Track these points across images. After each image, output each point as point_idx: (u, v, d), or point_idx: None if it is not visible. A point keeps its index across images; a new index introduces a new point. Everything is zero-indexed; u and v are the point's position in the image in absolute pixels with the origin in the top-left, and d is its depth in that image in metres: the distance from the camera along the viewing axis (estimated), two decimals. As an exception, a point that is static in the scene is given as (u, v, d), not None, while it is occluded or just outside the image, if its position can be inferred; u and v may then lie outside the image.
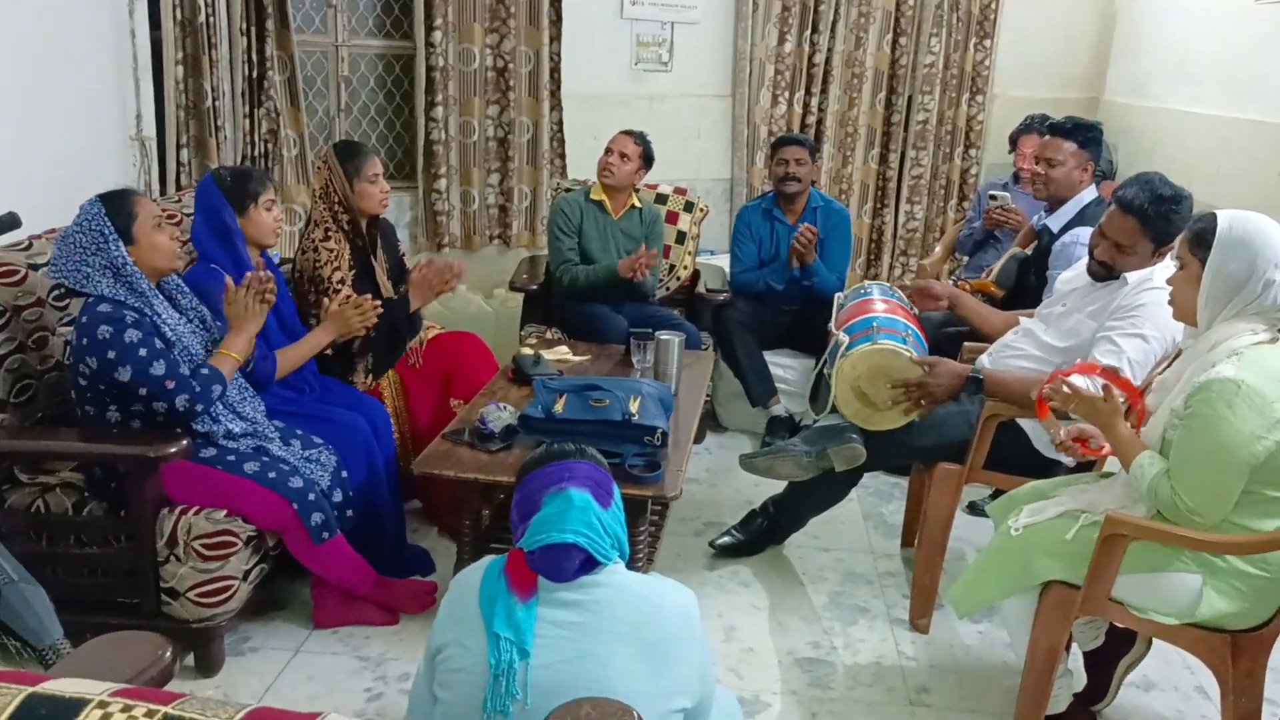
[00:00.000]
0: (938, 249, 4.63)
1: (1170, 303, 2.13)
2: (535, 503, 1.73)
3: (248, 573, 2.50)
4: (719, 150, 5.47)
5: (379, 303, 2.92)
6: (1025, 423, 2.73)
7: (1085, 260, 2.78)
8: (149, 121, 3.94)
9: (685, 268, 4.33)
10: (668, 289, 4.28)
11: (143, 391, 2.34)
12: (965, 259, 4.47)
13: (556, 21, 4.71)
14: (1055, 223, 3.39)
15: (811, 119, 5.56)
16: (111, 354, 2.30)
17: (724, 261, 4.74)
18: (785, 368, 4.12)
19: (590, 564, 1.71)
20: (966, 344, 3.15)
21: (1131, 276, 2.61)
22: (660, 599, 1.75)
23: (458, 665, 1.71)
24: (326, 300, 2.97)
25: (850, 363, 2.70)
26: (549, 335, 3.90)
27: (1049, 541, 2.17)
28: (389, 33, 4.71)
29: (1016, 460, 2.74)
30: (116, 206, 2.37)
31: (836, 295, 3.17)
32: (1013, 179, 4.34)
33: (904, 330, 2.77)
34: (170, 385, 2.34)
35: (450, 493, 2.85)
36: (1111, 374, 2.24)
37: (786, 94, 5.43)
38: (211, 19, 3.93)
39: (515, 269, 4.33)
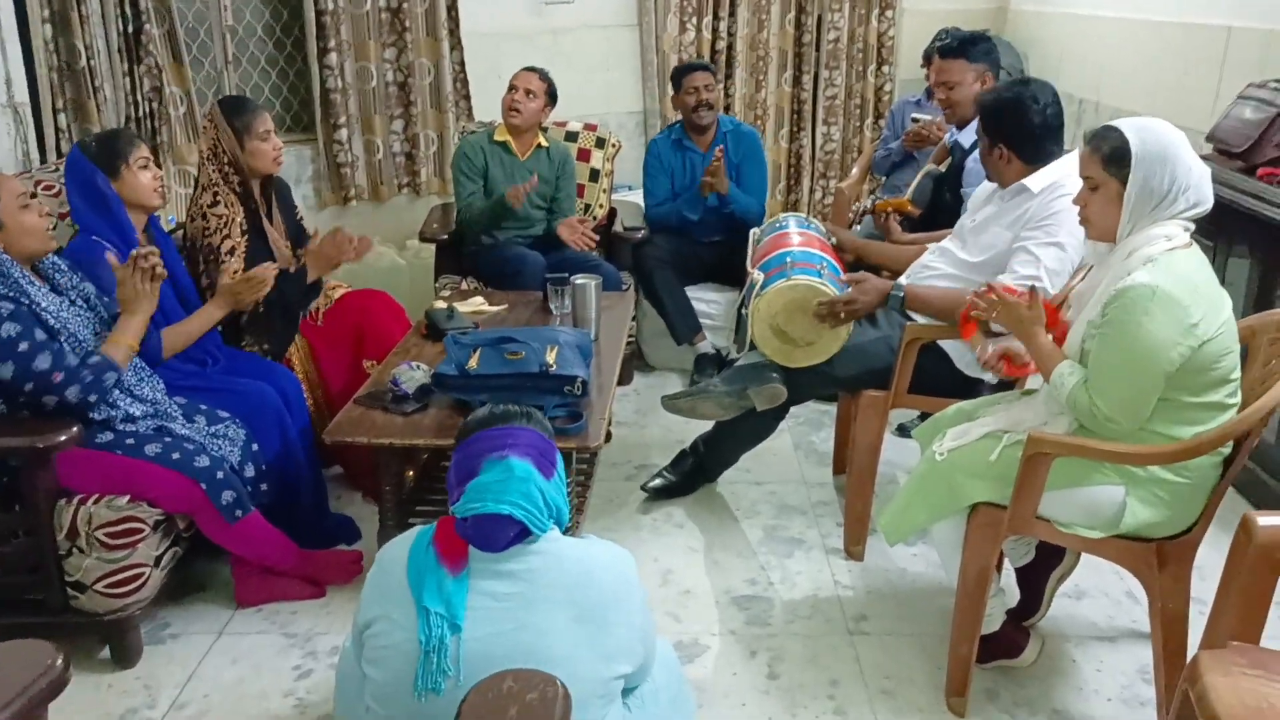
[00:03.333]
0: (854, 171, 4.57)
1: (1084, 223, 2.10)
2: (474, 467, 1.66)
3: (159, 558, 2.39)
4: (629, 83, 5.33)
5: (272, 270, 2.78)
6: (947, 344, 2.71)
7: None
8: (20, 86, 3.69)
9: (601, 206, 4.23)
10: (589, 243, 4.15)
11: (29, 387, 2.20)
12: (882, 179, 4.43)
13: (451, -44, 4.51)
14: (966, 138, 3.35)
15: (721, 44, 5.44)
16: None
17: (640, 197, 4.64)
18: (709, 303, 4.07)
19: (524, 534, 1.65)
20: (884, 272, 3.11)
21: (1037, 183, 2.58)
22: (595, 562, 1.70)
23: (386, 641, 1.65)
24: (219, 274, 2.82)
25: (766, 301, 2.65)
26: (465, 286, 3.78)
27: (974, 464, 2.15)
28: (272, -24, 4.48)
29: (940, 382, 2.73)
30: None
31: (752, 231, 3.10)
32: (925, 95, 4.28)
33: (819, 263, 2.72)
34: (58, 379, 2.20)
35: (371, 458, 2.76)
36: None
37: (694, 19, 5.30)
38: (77, -28, 3.69)
39: (426, 219, 4.19)
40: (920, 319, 2.68)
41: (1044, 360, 2.10)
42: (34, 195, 2.32)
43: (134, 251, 2.38)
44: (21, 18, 3.69)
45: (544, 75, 3.82)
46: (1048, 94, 2.54)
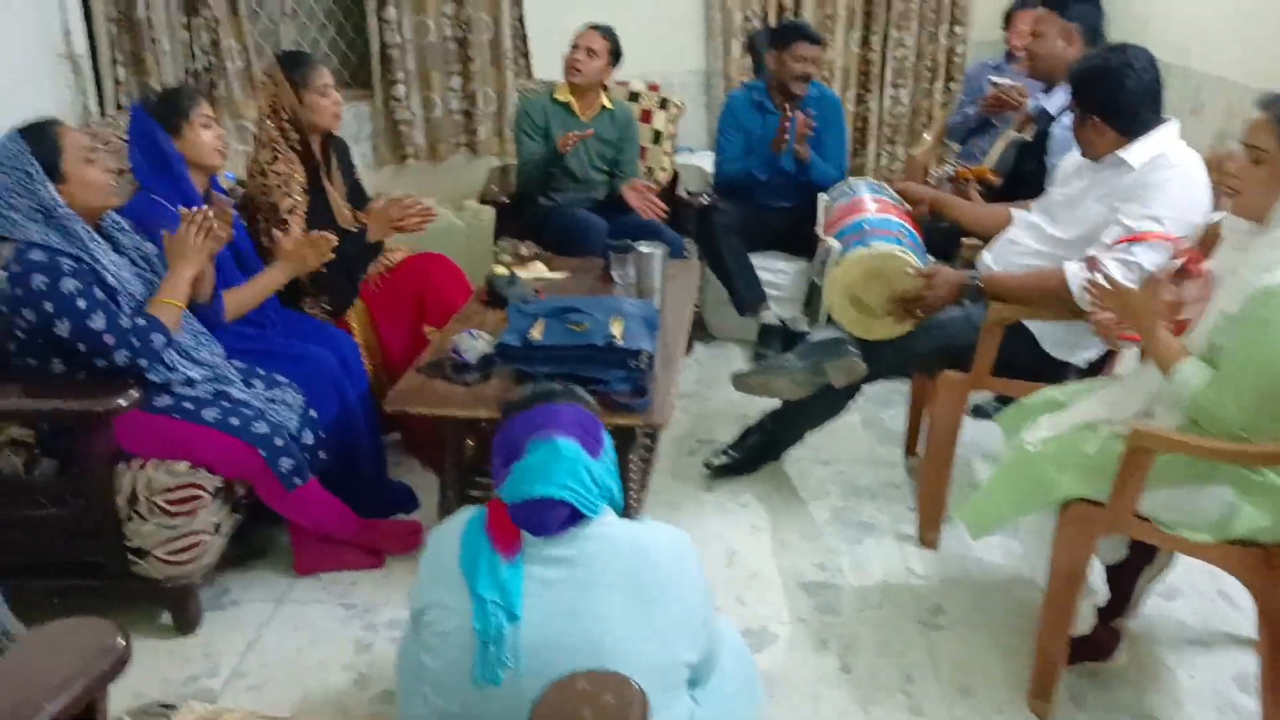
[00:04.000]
0: (927, 136, 4.40)
1: (1231, 194, 1.94)
2: (518, 448, 1.58)
3: (218, 525, 2.35)
4: (693, 41, 5.16)
5: (334, 238, 2.71)
6: (1033, 324, 2.57)
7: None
8: (78, 37, 3.65)
9: (663, 170, 4.11)
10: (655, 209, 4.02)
11: (82, 347, 2.15)
12: (957, 146, 4.25)
13: (514, -93, 4.37)
14: (1052, 104, 3.18)
15: (789, 2, 5.26)
16: (49, 306, 2.10)
17: (704, 160, 4.51)
18: (776, 272, 3.94)
19: (576, 517, 1.58)
20: (964, 240, 2.98)
21: (1136, 157, 2.43)
22: (649, 542, 1.62)
23: (442, 629, 1.59)
24: (278, 233, 2.75)
25: (843, 269, 2.53)
26: (523, 250, 3.68)
27: (1068, 456, 2.03)
28: (333, -73, 4.37)
29: (1024, 365, 2.60)
30: (40, 140, 2.14)
31: (821, 197, 2.96)
32: (1005, 58, 4.09)
33: (898, 230, 2.59)
34: (110, 340, 2.15)
35: (431, 425, 2.69)
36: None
37: (761, -26, 5.12)
38: (136, -80, 3.62)
39: (485, 180, 4.09)
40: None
41: (1162, 354, 1.94)
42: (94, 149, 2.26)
43: (193, 209, 2.30)
44: (80, -32, 3.64)
45: (607, 33, 3.69)
46: (1144, 60, 2.37)
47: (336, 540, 2.58)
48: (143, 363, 2.21)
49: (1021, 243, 2.61)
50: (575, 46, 3.63)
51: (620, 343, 2.41)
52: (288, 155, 2.83)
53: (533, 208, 3.74)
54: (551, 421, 1.58)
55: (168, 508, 2.23)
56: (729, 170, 3.91)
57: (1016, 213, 2.75)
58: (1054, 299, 2.39)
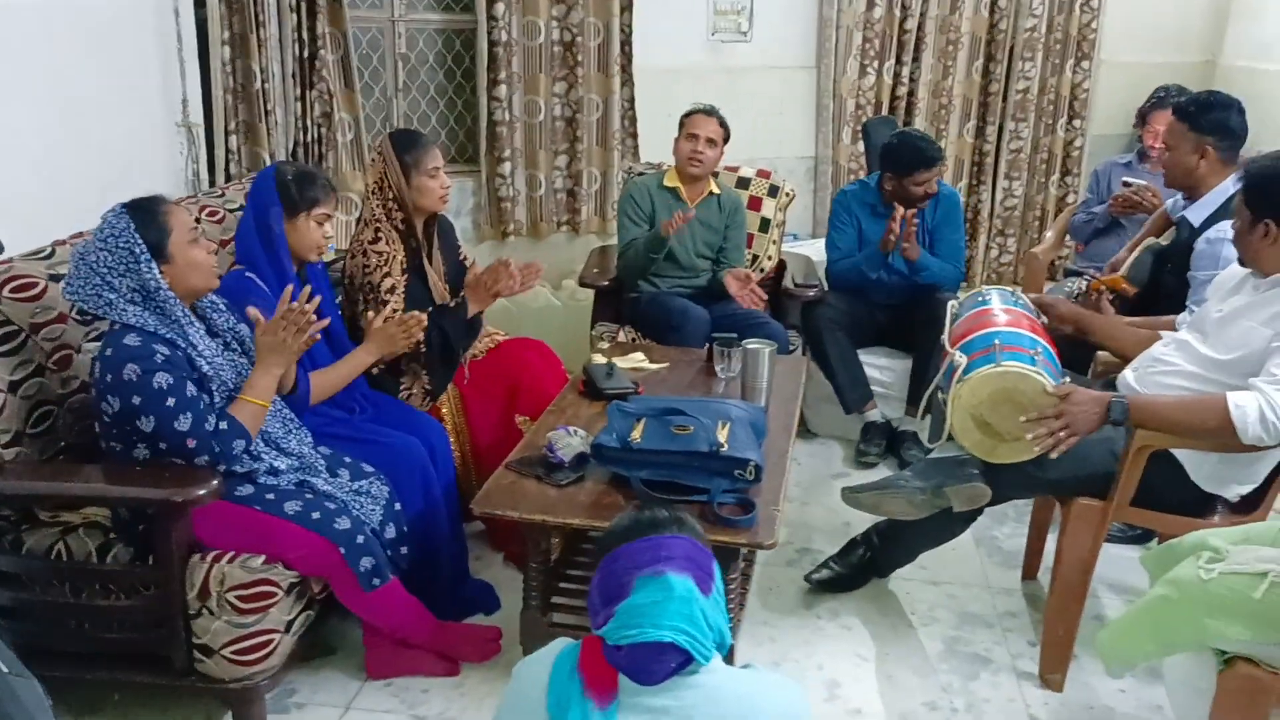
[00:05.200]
0: (1049, 235, 4.18)
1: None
2: (623, 585, 1.42)
3: (290, 623, 2.22)
4: (803, 127, 5.07)
5: (424, 316, 2.61)
6: (1182, 453, 2.33)
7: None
8: (195, 106, 3.68)
9: (770, 258, 3.96)
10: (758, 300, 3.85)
11: (163, 445, 2.08)
12: (1081, 246, 4.03)
13: (628, -10, 4.34)
14: (1196, 215, 2.95)
15: (902, 90, 5.14)
16: (136, 399, 2.03)
17: (809, 249, 4.36)
18: (881, 369, 3.75)
19: (685, 664, 1.41)
20: (1099, 354, 2.76)
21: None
22: (762, 704, 1.43)
23: (525, 774, 1.42)
24: (370, 314, 2.67)
25: (969, 388, 2.32)
26: (622, 336, 3.57)
27: (1230, 598, 1.79)
28: (449, 6, 4.38)
29: (1169, 496, 2.36)
30: (147, 219, 2.08)
31: (949, 304, 2.77)
32: (1138, 157, 3.88)
33: (1031, 347, 2.37)
34: (191, 444, 2.07)
35: (517, 522, 2.55)
36: None
37: (875, 64, 5.01)
38: (259, -5, 3.65)
39: (585, 262, 4.00)
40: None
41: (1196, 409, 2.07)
42: (199, 223, 2.20)
43: (289, 303, 2.21)
44: (201, 39, 3.69)
45: (721, 119, 3.58)
46: None
47: (411, 644, 2.43)
48: (221, 467, 2.12)
49: (1170, 362, 2.38)
50: (694, 136, 3.51)
51: (726, 450, 2.25)
52: (390, 234, 2.77)
53: (632, 293, 3.62)
54: (661, 556, 1.41)
55: (240, 605, 2.11)
56: (840, 268, 3.74)
57: (1165, 331, 2.53)
58: (1213, 430, 2.15)
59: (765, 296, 3.58)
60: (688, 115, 3.59)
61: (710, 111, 3.58)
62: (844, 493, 2.56)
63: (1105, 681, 2.48)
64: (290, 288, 2.21)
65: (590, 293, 3.90)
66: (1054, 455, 2.25)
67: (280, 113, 3.86)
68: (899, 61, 5.07)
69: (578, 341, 3.79)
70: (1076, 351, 2.78)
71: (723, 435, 2.29)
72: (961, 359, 2.37)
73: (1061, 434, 2.23)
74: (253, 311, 2.22)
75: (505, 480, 2.35)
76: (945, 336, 2.58)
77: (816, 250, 4.30)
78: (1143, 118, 3.84)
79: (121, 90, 3.32)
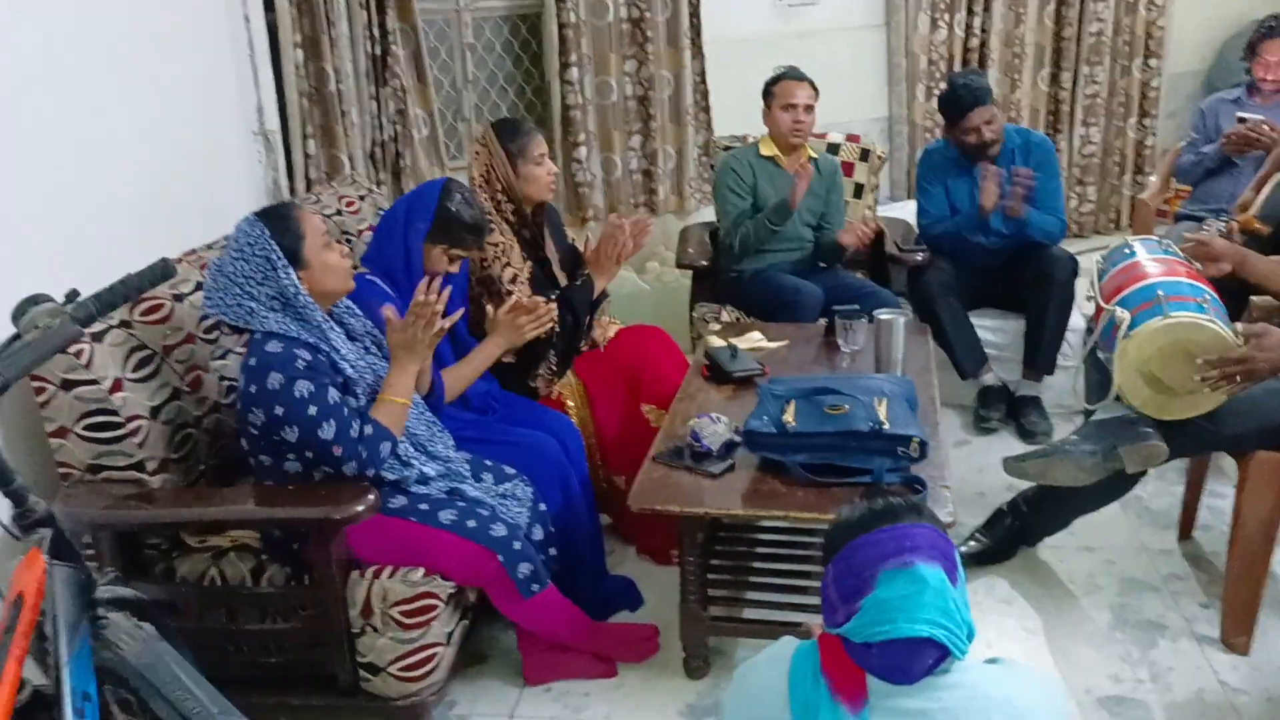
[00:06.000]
0: (1154, 179, 4.02)
1: None
2: (865, 580, 1.32)
3: (450, 635, 2.16)
4: (875, 87, 4.93)
5: (553, 301, 2.53)
6: (1370, 400, 2.20)
7: None
8: (271, 113, 3.60)
9: (865, 224, 3.83)
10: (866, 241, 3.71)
11: (309, 454, 2.01)
12: (1189, 189, 3.87)
13: (695, -40, 4.21)
14: (1335, 143, 2.80)
15: (975, 42, 4.98)
16: (279, 409, 1.96)
17: (901, 211, 4.23)
18: (993, 330, 3.62)
19: (940, 660, 1.32)
20: (1254, 299, 2.62)
21: None
22: (1026, 703, 1.33)
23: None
24: (489, 306, 2.59)
25: (1137, 344, 2.20)
26: (725, 316, 3.46)
27: None
28: (513, -10, 4.28)
29: (1357, 444, 2.23)
30: (281, 226, 2.02)
31: (1094, 260, 2.64)
32: (1246, 91, 3.71)
33: (1198, 295, 2.25)
34: (337, 452, 2.00)
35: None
36: None
37: (946, 17, 4.86)
38: (329, -6, 3.57)
39: (678, 242, 3.89)
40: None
41: None
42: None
43: (420, 298, 2.13)
44: (272, 43, 3.61)
45: (810, 81, 3.47)
46: None
47: (567, 647, 2.36)
48: (369, 472, 2.05)
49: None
50: (792, 105, 3.39)
51: (888, 428, 2.15)
52: (501, 226, 2.68)
53: (733, 271, 3.51)
54: (907, 546, 1.31)
55: (404, 620, 2.05)
56: (935, 230, 3.61)
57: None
58: None
59: (873, 232, 3.47)
60: (775, 82, 3.48)
61: (800, 76, 3.47)
62: (1006, 463, 2.45)
63: (1293, 641, 2.37)
64: (424, 282, 2.13)
65: (678, 274, 3.80)
66: (1225, 397, 2.13)
67: (355, 113, 3.77)
68: (970, 13, 4.92)
69: (673, 325, 3.67)
70: (1227, 299, 2.64)
71: (882, 412, 2.19)
72: (1124, 314, 2.25)
73: (1239, 378, 2.11)
74: (388, 310, 2.15)
75: (656, 474, 2.27)
76: (1096, 294, 2.45)
77: (906, 212, 4.18)
78: (1252, 49, 3.66)
79: (197, 102, 3.24)
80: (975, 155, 3.48)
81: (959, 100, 3.46)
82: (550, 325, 2.53)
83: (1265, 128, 3.43)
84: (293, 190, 3.71)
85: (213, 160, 3.29)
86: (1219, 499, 2.91)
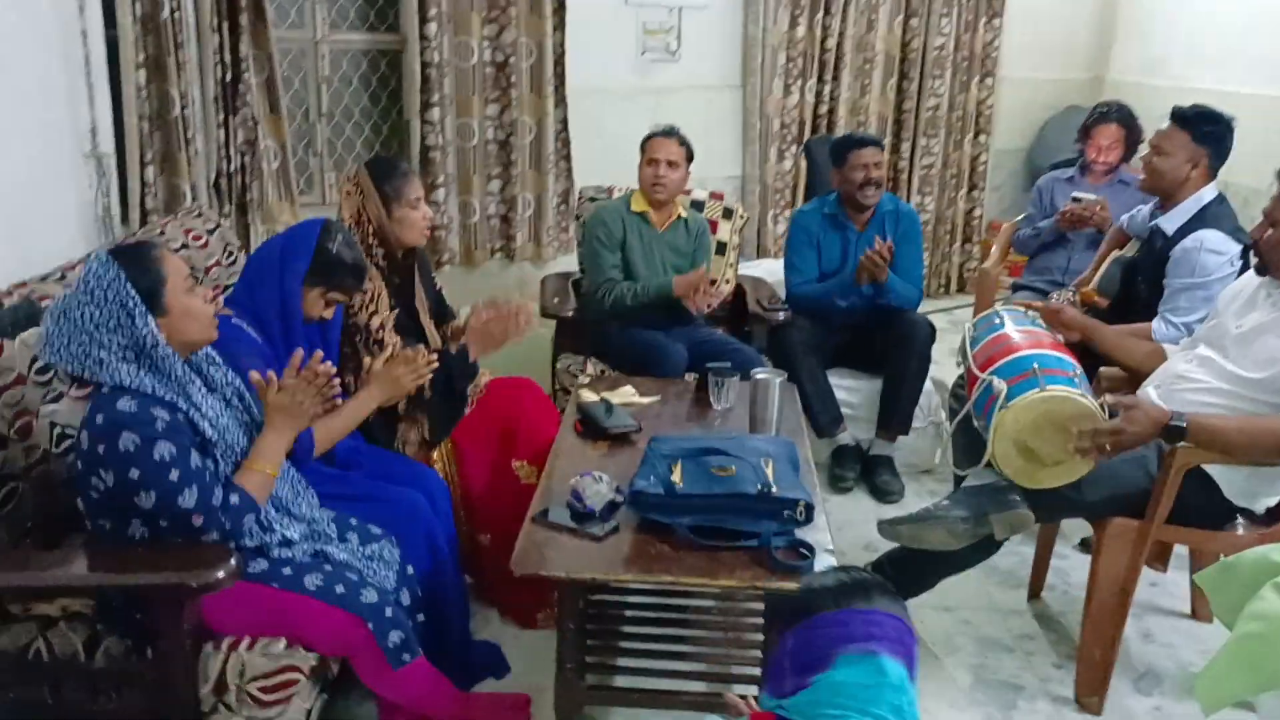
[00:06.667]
0: (994, 250, 4.23)
1: None
2: (824, 657, 1.28)
3: (309, 712, 1.98)
4: (730, 146, 5.03)
5: (434, 355, 2.40)
6: (1213, 468, 2.34)
7: (1245, 269, 2.44)
8: (106, 135, 3.34)
9: (728, 282, 3.88)
10: (709, 306, 3.77)
11: (164, 523, 1.83)
12: (1026, 260, 4.09)
13: (560, 9, 4.19)
14: (1170, 224, 3.00)
15: (824, 109, 5.17)
16: (134, 473, 1.77)
17: (757, 270, 4.30)
18: (848, 390, 3.70)
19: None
20: (1103, 370, 2.76)
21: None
22: None
23: None
24: (368, 358, 2.44)
25: (1014, 414, 2.27)
26: (590, 369, 3.41)
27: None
28: (374, 25, 4.14)
29: (1198, 511, 2.36)
30: (140, 267, 1.83)
31: (965, 327, 2.73)
32: (1080, 171, 3.97)
33: (1069, 369, 2.35)
34: (197, 521, 1.82)
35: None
36: None
37: (799, 82, 5.02)
38: (177, 14, 3.37)
39: (540, 291, 3.82)
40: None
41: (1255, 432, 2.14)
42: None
43: (312, 364, 1.97)
44: (112, 63, 3.36)
45: (682, 138, 3.48)
46: None
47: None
48: (231, 544, 1.88)
49: (1195, 379, 2.39)
50: (655, 160, 3.39)
51: (776, 491, 2.13)
52: (371, 271, 2.54)
53: (600, 324, 3.47)
54: (874, 633, 1.28)
55: (262, 697, 1.87)
56: (802, 291, 3.68)
57: (1174, 348, 2.56)
58: (1269, 451, 2.18)
59: (715, 301, 3.49)
60: (648, 139, 3.48)
61: (670, 133, 3.47)
62: (881, 526, 2.48)
63: (1141, 700, 2.49)
64: (299, 352, 1.98)
65: (543, 322, 3.71)
66: (1089, 468, 2.24)
67: (201, 141, 3.55)
68: (820, 80, 5.11)
69: (535, 376, 3.59)
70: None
71: (769, 474, 2.18)
72: (1001, 385, 2.32)
73: (1108, 448, 2.20)
74: (255, 376, 1.97)
75: (539, 536, 2.17)
76: (969, 361, 2.53)
77: (763, 270, 4.25)
78: (1086, 132, 3.92)
79: (24, 121, 2.96)
80: (857, 202, 3.58)
81: (849, 139, 3.66)
82: (428, 378, 2.40)
83: (1097, 207, 3.67)
84: (125, 219, 3.45)
85: (38, 181, 3.01)
86: (1060, 559, 3.05)
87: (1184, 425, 2.19)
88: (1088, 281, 3.33)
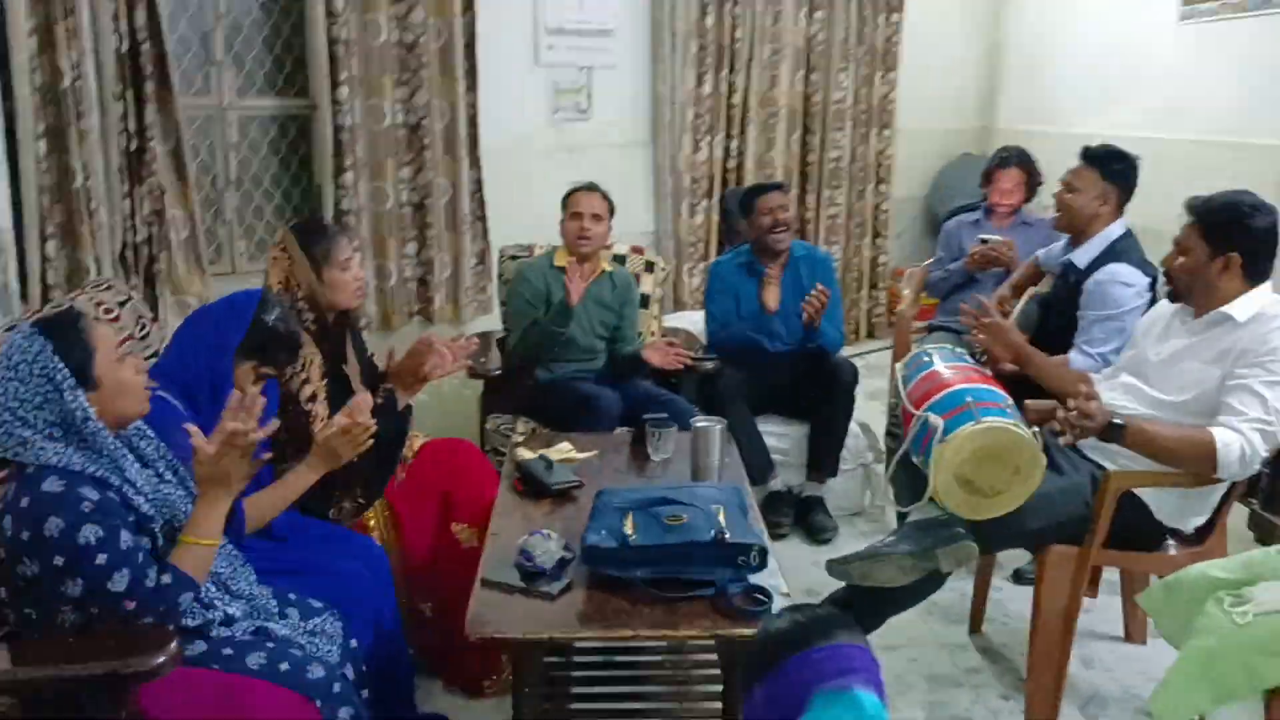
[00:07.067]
0: (907, 293, 4.33)
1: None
2: (796, 699, 1.26)
3: (254, 801, 1.88)
4: (643, 202, 5.08)
5: (372, 424, 2.33)
6: (1145, 492, 2.42)
7: (1155, 300, 2.55)
8: (3, 210, 3.22)
9: (653, 334, 3.88)
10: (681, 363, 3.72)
11: (94, 610, 1.72)
12: (937, 301, 4.20)
13: (471, 71, 4.21)
14: (1082, 258, 3.12)
15: (732, 163, 5.27)
16: (59, 560, 1.66)
17: (679, 321, 4.33)
18: (778, 436, 3.72)
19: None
20: (1028, 403, 2.83)
21: (1242, 311, 2.36)
22: None
23: None
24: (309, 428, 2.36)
25: (953, 448, 2.31)
26: (521, 427, 3.36)
27: (1273, 640, 1.83)
28: (283, 90, 4.09)
29: (1131, 534, 2.43)
30: (68, 339, 1.74)
31: (897, 367, 2.79)
32: (985, 214, 4.11)
33: (1001, 401, 2.41)
34: (130, 606, 1.72)
35: (452, 635, 2.31)
36: None
37: (707, 138, 5.11)
38: (79, 83, 3.27)
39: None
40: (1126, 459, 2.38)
41: (1185, 441, 2.27)
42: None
43: (232, 424, 1.88)
44: (9, 134, 3.24)
45: (603, 193, 3.49)
46: (1267, 206, 2.35)
47: (382, 801, 2.13)
48: (169, 626, 1.78)
49: (1120, 404, 2.46)
50: (578, 214, 3.40)
51: (730, 537, 2.12)
52: (304, 338, 2.47)
53: (528, 380, 3.43)
54: (845, 668, 1.27)
55: (206, 790, 1.77)
56: (722, 335, 3.74)
57: (1097, 377, 2.65)
58: (1191, 461, 2.26)
59: (688, 356, 3.52)
60: (570, 194, 3.48)
61: (591, 188, 3.49)
62: (830, 565, 2.47)
63: (1088, 725, 2.52)
64: (234, 399, 1.90)
65: (458, 383, 3.67)
66: (1063, 442, 2.34)
67: (104, 212, 3.44)
68: (728, 135, 5.21)
69: (463, 436, 3.54)
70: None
71: (722, 519, 2.16)
72: (937, 420, 2.36)
73: (1073, 425, 2.28)
74: (193, 429, 1.88)
75: (491, 599, 2.10)
76: (903, 400, 2.57)
77: (686, 322, 4.28)
78: (988, 177, 4.07)
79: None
80: (769, 247, 3.65)
81: (755, 187, 3.81)
82: (369, 445, 2.32)
83: (1004, 248, 3.80)
84: (25, 296, 3.31)
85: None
86: (996, 591, 3.09)
87: (1122, 424, 2.26)
88: (1006, 302, 3.42)
